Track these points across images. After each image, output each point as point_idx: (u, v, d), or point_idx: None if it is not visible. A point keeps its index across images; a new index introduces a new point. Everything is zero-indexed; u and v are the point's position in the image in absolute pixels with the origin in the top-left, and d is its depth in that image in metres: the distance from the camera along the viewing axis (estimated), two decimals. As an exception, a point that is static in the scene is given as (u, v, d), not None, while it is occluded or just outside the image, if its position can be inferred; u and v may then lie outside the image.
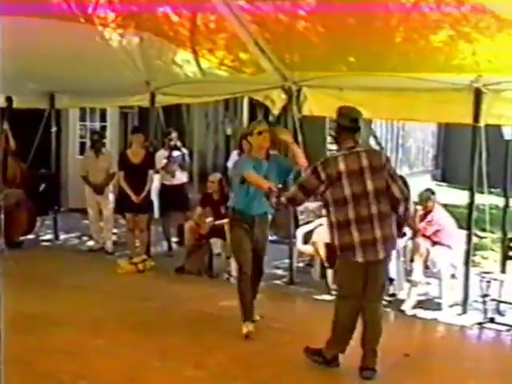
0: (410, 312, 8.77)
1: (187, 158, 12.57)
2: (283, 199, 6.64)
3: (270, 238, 11.02)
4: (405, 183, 9.90)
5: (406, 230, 9.22)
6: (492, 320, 8.38)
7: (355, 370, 6.53)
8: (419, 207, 9.45)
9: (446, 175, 26.87)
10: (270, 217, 8.18)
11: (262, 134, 7.64)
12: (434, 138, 27.83)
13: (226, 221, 10.28)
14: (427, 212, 9.35)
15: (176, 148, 12.24)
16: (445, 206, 10.48)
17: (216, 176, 10.91)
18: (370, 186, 6.32)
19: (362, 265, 6.37)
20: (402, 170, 23.16)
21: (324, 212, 6.67)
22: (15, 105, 12.45)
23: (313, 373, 6.60)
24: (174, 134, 12.34)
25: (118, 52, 10.28)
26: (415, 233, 9.21)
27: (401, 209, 6.52)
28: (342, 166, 6.29)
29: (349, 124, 6.48)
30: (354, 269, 6.44)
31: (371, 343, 6.55)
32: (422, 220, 9.35)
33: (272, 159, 7.79)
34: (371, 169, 6.37)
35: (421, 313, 8.81)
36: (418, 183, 14.03)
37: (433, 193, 9.55)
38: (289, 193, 6.65)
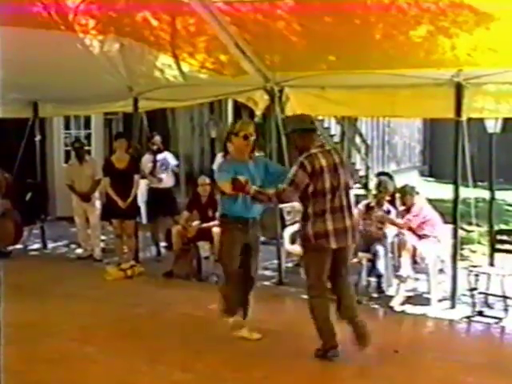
0: (398, 308, 8.78)
1: (171, 161, 12.53)
2: (272, 194, 6.92)
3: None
4: (391, 179, 10.06)
5: (391, 227, 9.32)
6: (481, 313, 8.41)
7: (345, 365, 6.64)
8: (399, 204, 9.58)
9: (433, 170, 26.95)
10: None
11: (247, 138, 7.44)
12: (420, 133, 27.90)
13: (212, 224, 10.29)
14: (409, 207, 9.42)
15: (159, 151, 12.22)
16: (432, 200, 10.51)
17: (206, 179, 10.87)
18: (342, 180, 6.77)
19: (331, 250, 6.75)
20: (389, 167, 23.21)
21: (300, 205, 6.97)
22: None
23: (303, 373, 6.59)
24: (157, 138, 12.33)
25: (99, 58, 10.28)
26: (399, 227, 9.27)
27: None
28: (323, 161, 6.69)
29: (310, 126, 6.98)
30: (325, 255, 6.79)
31: (352, 311, 6.92)
32: (403, 215, 9.42)
33: (259, 161, 7.68)
34: (341, 165, 6.84)
35: (409, 308, 8.82)
36: (406, 179, 14.03)
37: (411, 188, 9.65)
38: (278, 189, 6.86)
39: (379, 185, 9.88)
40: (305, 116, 7.15)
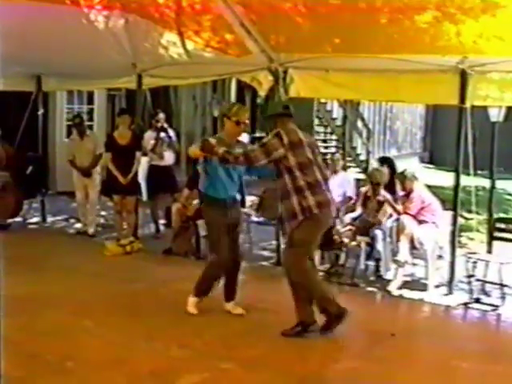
0: (396, 292, 8.82)
1: (174, 139, 12.53)
2: (239, 153, 6.84)
3: (257, 219, 11.14)
4: (391, 165, 10.04)
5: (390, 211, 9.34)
6: (477, 300, 8.45)
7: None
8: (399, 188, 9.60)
9: (433, 157, 26.98)
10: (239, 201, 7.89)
11: (239, 125, 7.34)
12: (422, 120, 27.88)
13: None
14: (408, 192, 9.42)
15: (163, 129, 12.22)
16: (432, 187, 10.52)
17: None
18: (320, 157, 7.08)
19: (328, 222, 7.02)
20: (390, 152, 23.23)
21: (286, 179, 6.78)
22: (1, 87, 12.29)
23: (298, 352, 6.62)
24: (161, 115, 12.32)
25: (104, 34, 10.23)
26: (398, 213, 9.28)
27: None
28: (301, 135, 6.83)
29: (283, 110, 7.03)
30: (324, 226, 6.99)
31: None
32: (404, 201, 9.42)
33: (242, 145, 7.54)
34: (316, 147, 7.26)
35: (407, 293, 8.86)
36: (406, 165, 14.04)
37: (411, 173, 9.65)
38: (247, 150, 6.95)
39: (370, 177, 9.89)
40: (276, 101, 7.42)
